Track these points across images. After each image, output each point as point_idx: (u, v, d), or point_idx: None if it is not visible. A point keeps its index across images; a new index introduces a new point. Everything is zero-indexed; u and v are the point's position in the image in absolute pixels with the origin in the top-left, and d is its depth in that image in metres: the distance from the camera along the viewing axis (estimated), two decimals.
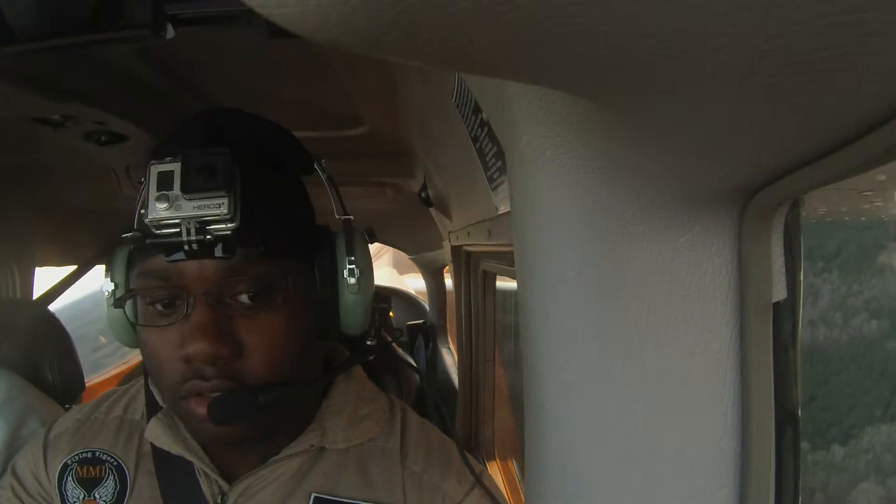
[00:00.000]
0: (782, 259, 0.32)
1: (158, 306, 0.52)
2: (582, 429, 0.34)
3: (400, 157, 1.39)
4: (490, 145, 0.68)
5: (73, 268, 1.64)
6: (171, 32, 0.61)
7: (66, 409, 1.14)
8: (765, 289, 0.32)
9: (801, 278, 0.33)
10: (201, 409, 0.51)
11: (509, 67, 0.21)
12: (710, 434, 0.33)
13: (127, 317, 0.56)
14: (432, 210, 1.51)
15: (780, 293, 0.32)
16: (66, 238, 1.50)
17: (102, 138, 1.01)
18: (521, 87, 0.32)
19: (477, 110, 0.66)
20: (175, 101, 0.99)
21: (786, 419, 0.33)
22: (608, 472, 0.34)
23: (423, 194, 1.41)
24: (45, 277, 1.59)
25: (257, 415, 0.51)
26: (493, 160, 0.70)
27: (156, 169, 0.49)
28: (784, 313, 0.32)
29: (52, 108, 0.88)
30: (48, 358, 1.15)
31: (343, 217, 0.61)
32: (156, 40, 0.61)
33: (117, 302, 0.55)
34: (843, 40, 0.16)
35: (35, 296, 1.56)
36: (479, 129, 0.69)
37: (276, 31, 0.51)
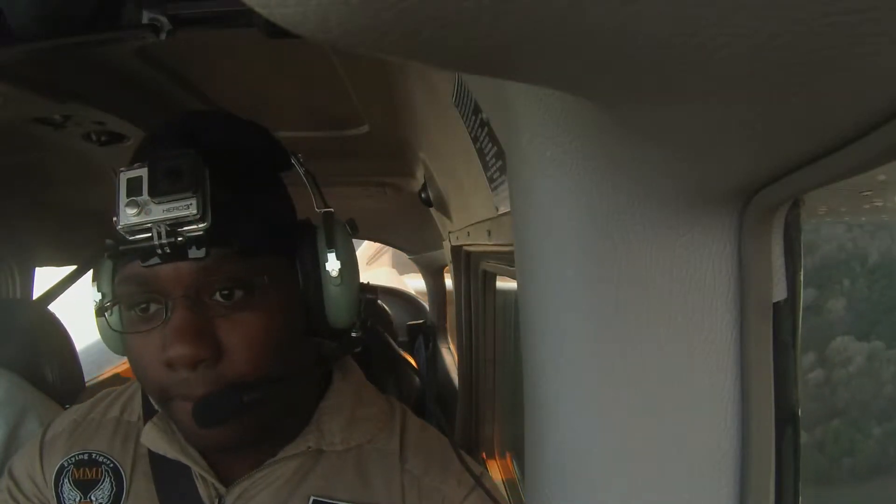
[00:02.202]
0: (782, 259, 0.32)
1: (139, 311, 0.52)
2: (582, 428, 0.34)
3: (400, 157, 1.39)
4: (490, 145, 0.68)
5: (73, 268, 1.64)
6: (171, 32, 0.61)
7: (66, 409, 1.14)
8: (765, 289, 0.32)
9: (801, 278, 0.33)
10: (187, 412, 0.51)
11: (509, 67, 0.21)
12: (710, 434, 0.33)
13: (109, 325, 0.56)
14: (432, 210, 1.51)
15: (780, 293, 0.32)
16: (66, 238, 1.50)
17: (102, 138, 1.01)
18: (521, 87, 0.32)
19: (477, 110, 0.66)
20: (175, 101, 0.99)
21: (786, 419, 0.33)
22: (608, 471, 0.34)
23: (423, 194, 1.41)
24: (45, 277, 1.59)
25: (243, 414, 0.51)
26: (493, 160, 0.70)
27: (124, 176, 0.49)
28: (784, 313, 0.32)
29: (52, 108, 0.88)
30: (48, 358, 1.15)
31: (323, 210, 0.60)
32: (156, 40, 0.61)
33: (98, 311, 0.55)
34: (843, 40, 0.16)
35: (35, 296, 1.56)
36: (479, 129, 0.69)
37: (275, 32, 0.51)
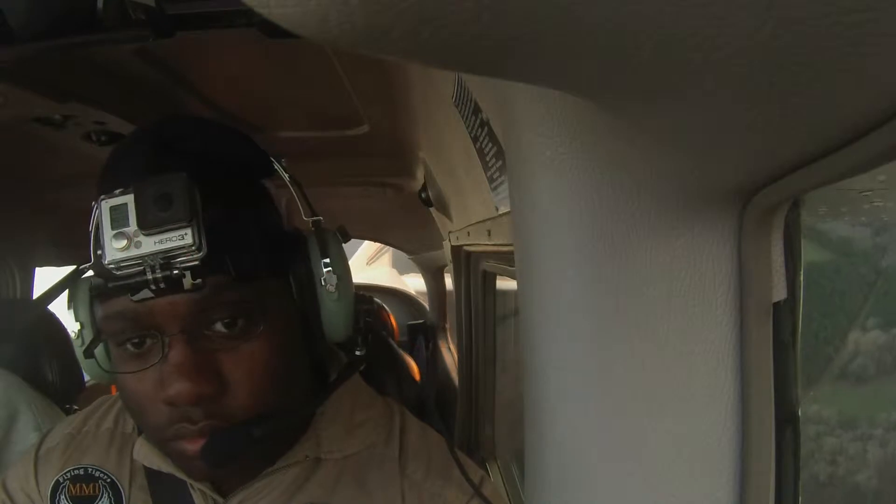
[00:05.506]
0: (782, 259, 0.32)
1: (130, 346, 0.49)
2: (581, 428, 0.34)
3: (400, 157, 1.39)
4: (490, 145, 0.68)
5: (73, 268, 1.64)
6: (171, 32, 0.61)
7: (66, 409, 1.14)
8: (765, 289, 0.32)
9: (801, 278, 0.33)
10: (193, 448, 0.48)
11: (510, 67, 0.21)
12: (710, 434, 0.33)
13: (99, 364, 0.53)
14: (432, 210, 1.51)
15: (780, 293, 0.32)
16: (66, 238, 1.50)
17: (102, 138, 1.01)
18: (521, 87, 0.32)
19: (477, 110, 0.66)
20: (175, 101, 0.99)
21: (786, 419, 0.33)
22: (607, 471, 0.34)
23: (423, 194, 1.41)
24: (45, 277, 1.60)
25: (254, 448, 0.49)
26: (493, 160, 0.70)
27: (107, 204, 0.44)
28: (784, 313, 0.32)
29: (52, 108, 0.88)
30: (48, 358, 1.15)
31: (312, 219, 0.57)
32: (156, 40, 0.61)
33: (87, 351, 0.52)
34: (843, 40, 0.16)
35: (35, 296, 1.56)
36: (479, 129, 0.69)
37: (275, 32, 0.51)
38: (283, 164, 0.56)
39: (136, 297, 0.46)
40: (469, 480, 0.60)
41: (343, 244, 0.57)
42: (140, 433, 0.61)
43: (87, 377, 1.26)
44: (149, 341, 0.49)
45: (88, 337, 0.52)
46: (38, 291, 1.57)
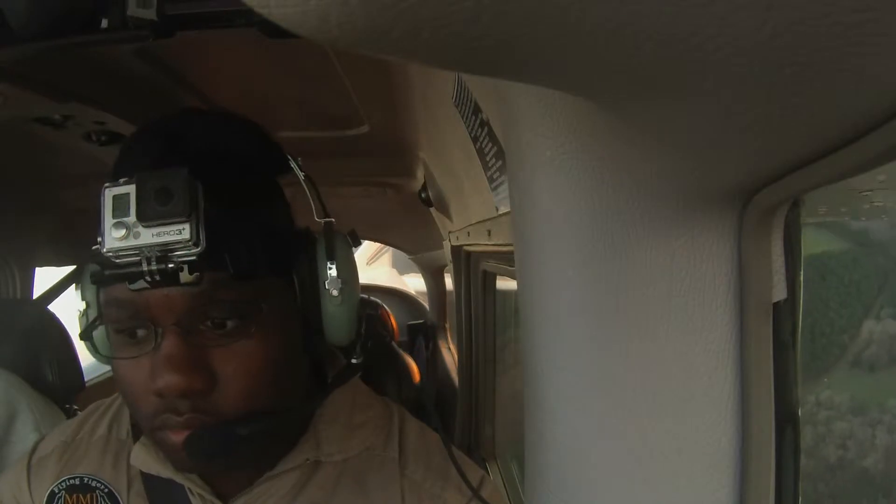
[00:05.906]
0: (782, 259, 0.32)
1: (127, 335, 0.49)
2: (581, 428, 0.34)
3: (400, 157, 1.39)
4: (490, 145, 0.68)
5: (73, 268, 1.63)
6: (171, 33, 0.61)
7: (66, 409, 1.14)
8: (765, 289, 0.32)
9: (801, 278, 0.33)
10: (177, 439, 0.48)
11: (509, 67, 0.21)
12: (710, 434, 0.33)
13: (97, 348, 0.53)
14: (432, 210, 1.51)
15: (780, 293, 0.32)
16: (66, 238, 1.50)
17: (102, 138, 1.01)
18: (521, 87, 0.32)
19: (477, 110, 0.66)
20: (175, 100, 0.99)
21: (786, 419, 0.33)
22: (607, 471, 0.34)
23: (423, 194, 1.42)
24: (45, 277, 1.60)
25: (238, 448, 0.49)
26: (493, 160, 0.70)
27: (110, 192, 0.45)
28: (784, 313, 0.32)
29: (52, 108, 0.88)
30: (48, 358, 1.15)
31: (324, 220, 0.56)
32: (156, 40, 0.61)
33: (84, 333, 0.52)
34: (843, 40, 0.16)
35: (35, 296, 1.56)
36: (479, 129, 0.69)
37: (275, 32, 0.51)
38: (299, 163, 0.56)
39: (132, 287, 0.47)
40: (467, 482, 0.59)
41: (354, 248, 0.56)
42: (135, 439, 0.61)
43: (86, 377, 1.26)
44: (144, 332, 0.49)
45: (92, 317, 0.53)
46: (38, 291, 1.57)
